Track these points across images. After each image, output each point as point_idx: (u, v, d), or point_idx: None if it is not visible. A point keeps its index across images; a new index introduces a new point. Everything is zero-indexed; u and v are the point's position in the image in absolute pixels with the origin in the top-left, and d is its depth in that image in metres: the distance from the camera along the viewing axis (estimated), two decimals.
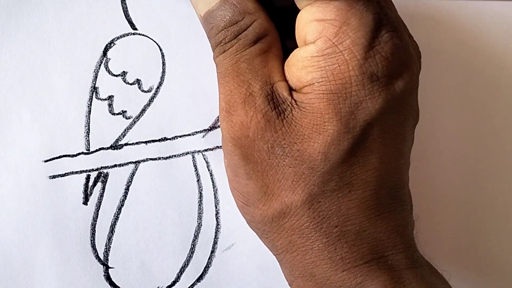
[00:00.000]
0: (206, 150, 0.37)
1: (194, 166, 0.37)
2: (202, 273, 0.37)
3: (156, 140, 0.37)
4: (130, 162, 0.37)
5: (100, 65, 0.37)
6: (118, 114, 0.37)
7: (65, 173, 0.36)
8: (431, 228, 0.40)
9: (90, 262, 0.36)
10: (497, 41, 0.41)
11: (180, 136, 0.37)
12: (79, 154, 0.37)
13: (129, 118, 0.37)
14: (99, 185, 0.37)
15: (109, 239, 0.36)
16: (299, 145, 0.30)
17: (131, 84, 0.37)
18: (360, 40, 0.30)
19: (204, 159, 0.37)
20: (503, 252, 0.41)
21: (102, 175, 0.37)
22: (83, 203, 0.36)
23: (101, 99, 0.37)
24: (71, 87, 0.37)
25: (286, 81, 0.32)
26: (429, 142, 0.41)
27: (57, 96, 0.37)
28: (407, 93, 0.31)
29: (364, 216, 0.30)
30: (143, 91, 0.37)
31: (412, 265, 0.31)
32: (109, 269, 0.36)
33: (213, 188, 0.37)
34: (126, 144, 0.37)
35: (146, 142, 0.37)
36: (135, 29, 0.37)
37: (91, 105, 0.37)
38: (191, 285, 0.37)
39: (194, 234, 0.37)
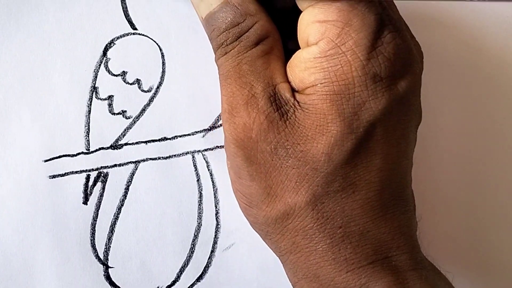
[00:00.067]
0: (206, 150, 0.37)
1: (194, 166, 0.37)
2: (202, 272, 0.37)
3: (156, 140, 0.37)
4: (130, 162, 0.37)
5: (100, 65, 0.37)
6: (118, 114, 0.37)
7: (65, 173, 0.36)
8: (434, 229, 0.40)
9: (90, 261, 0.36)
10: (498, 41, 0.41)
11: (180, 136, 0.37)
12: (79, 154, 0.36)
13: (129, 118, 0.37)
14: (99, 185, 0.37)
15: (109, 238, 0.36)
16: (302, 146, 0.30)
17: (131, 84, 0.37)
18: (363, 41, 0.30)
19: (204, 159, 0.37)
20: (507, 252, 0.41)
21: (102, 175, 0.37)
22: (83, 203, 0.36)
23: (101, 99, 0.37)
24: (71, 87, 0.37)
25: (289, 82, 0.32)
26: (431, 142, 0.40)
27: (57, 96, 0.36)
28: (410, 94, 0.31)
29: (368, 216, 0.30)
30: (143, 91, 0.37)
31: (416, 266, 0.31)
32: (109, 269, 0.36)
33: (213, 188, 0.38)
34: (126, 144, 0.37)
35: (146, 142, 0.37)
36: (135, 29, 0.37)
37: (91, 105, 0.37)
38: (191, 284, 0.37)
39: (194, 234, 0.37)
